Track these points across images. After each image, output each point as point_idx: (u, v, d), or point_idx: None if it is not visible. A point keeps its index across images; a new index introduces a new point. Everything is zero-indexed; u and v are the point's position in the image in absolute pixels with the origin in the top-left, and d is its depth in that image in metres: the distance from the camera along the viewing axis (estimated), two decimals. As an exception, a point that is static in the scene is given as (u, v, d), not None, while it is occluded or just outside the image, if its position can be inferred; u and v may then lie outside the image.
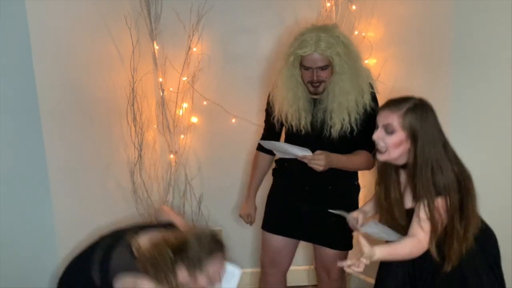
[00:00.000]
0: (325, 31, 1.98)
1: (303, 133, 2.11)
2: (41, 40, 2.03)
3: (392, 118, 1.70)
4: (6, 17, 1.95)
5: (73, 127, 2.27)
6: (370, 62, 2.75)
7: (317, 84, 2.04)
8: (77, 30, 2.32)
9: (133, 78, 2.68)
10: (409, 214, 1.78)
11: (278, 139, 2.29)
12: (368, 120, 2.05)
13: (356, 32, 2.77)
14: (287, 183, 2.24)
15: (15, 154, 2.07)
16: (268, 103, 2.25)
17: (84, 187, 2.33)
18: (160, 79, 2.85)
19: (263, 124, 2.35)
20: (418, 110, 1.69)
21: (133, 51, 2.67)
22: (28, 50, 1.98)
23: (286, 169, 2.25)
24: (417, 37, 2.49)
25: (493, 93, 2.22)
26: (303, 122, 2.10)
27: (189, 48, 2.82)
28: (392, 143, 1.72)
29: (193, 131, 2.94)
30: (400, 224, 1.81)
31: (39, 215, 2.13)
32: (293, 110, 2.09)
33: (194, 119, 2.93)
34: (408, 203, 1.78)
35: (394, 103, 1.73)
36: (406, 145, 1.71)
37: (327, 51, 1.96)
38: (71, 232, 2.24)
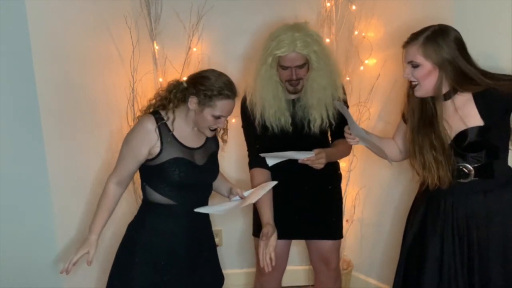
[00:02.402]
0: (299, 30, 2.04)
1: (285, 133, 2.14)
2: (41, 40, 2.03)
3: (412, 52, 1.75)
4: (6, 17, 1.95)
5: (73, 127, 2.27)
6: (370, 62, 2.76)
7: (296, 82, 2.08)
8: (77, 30, 2.32)
9: (133, 78, 2.68)
10: (463, 135, 1.77)
11: (266, 145, 2.20)
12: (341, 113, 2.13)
13: (356, 32, 2.78)
14: (280, 187, 2.17)
15: (15, 154, 2.07)
16: (245, 109, 2.18)
17: (84, 187, 2.33)
18: (160, 79, 2.84)
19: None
20: (437, 36, 1.72)
21: (133, 51, 2.67)
22: (28, 50, 1.98)
23: (276, 175, 2.20)
24: (417, 37, 2.49)
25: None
26: (283, 122, 2.13)
27: (189, 48, 2.82)
28: (420, 75, 1.75)
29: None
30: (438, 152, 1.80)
31: (39, 216, 2.13)
32: (273, 111, 2.12)
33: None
34: (467, 124, 1.76)
35: (412, 37, 1.78)
36: (436, 73, 1.73)
37: (304, 50, 2.01)
38: (71, 232, 2.24)
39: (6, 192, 2.08)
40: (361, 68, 2.79)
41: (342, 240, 2.95)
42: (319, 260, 2.35)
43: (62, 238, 2.18)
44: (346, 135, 2.00)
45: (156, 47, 2.82)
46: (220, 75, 1.84)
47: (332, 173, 2.31)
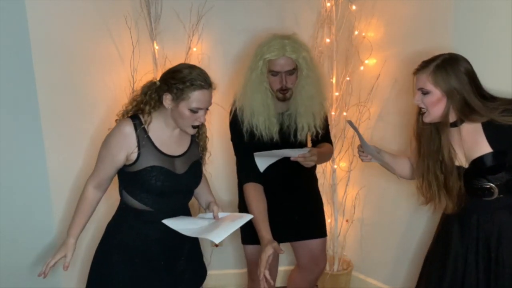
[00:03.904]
0: (288, 38, 2.09)
1: (274, 140, 2.15)
2: (41, 40, 2.03)
3: (423, 80, 1.77)
4: (6, 17, 1.95)
5: (73, 127, 2.27)
6: (370, 62, 2.76)
7: (285, 90, 2.10)
8: (77, 30, 2.32)
9: (133, 78, 2.68)
10: (475, 165, 1.78)
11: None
12: (326, 122, 2.28)
13: (356, 32, 2.78)
14: (266, 190, 2.17)
15: (15, 154, 2.07)
16: (236, 121, 2.16)
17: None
18: (160, 79, 2.85)
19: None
20: (447, 65, 1.74)
21: (133, 51, 2.67)
22: (28, 50, 1.98)
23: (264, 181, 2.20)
24: (417, 37, 2.49)
25: (493, 92, 2.22)
26: (272, 131, 2.14)
27: (189, 48, 2.82)
28: (429, 102, 1.77)
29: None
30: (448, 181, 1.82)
31: (39, 216, 2.13)
32: (262, 119, 2.12)
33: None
34: (478, 152, 1.77)
35: (423, 64, 1.79)
36: (444, 101, 1.75)
37: (293, 54, 2.05)
38: (71, 232, 2.25)
39: (6, 192, 2.08)
40: (361, 68, 2.79)
41: (342, 240, 2.97)
42: (310, 260, 2.37)
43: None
44: (359, 153, 2.08)
45: (156, 47, 2.83)
46: (192, 67, 1.78)
47: (311, 176, 2.36)
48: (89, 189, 1.84)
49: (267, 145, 2.14)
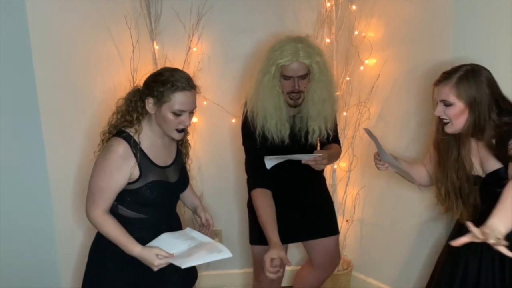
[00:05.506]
0: (301, 41, 2.07)
1: (285, 143, 2.15)
2: (41, 40, 2.03)
3: (445, 92, 1.74)
4: (6, 17, 1.95)
5: (73, 127, 2.27)
6: (370, 62, 2.76)
7: (297, 95, 2.09)
8: (77, 30, 2.32)
9: (133, 78, 2.68)
10: (491, 177, 1.77)
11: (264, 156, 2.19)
12: (335, 123, 2.29)
13: (356, 32, 2.78)
14: (277, 195, 2.16)
15: (15, 154, 2.07)
16: (247, 124, 2.16)
17: (84, 188, 2.32)
18: (160, 79, 2.84)
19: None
20: (469, 76, 1.72)
21: (133, 51, 2.67)
22: (28, 50, 1.98)
23: (272, 184, 2.20)
24: (417, 37, 2.49)
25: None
26: (283, 133, 2.14)
27: (189, 48, 2.83)
28: (452, 114, 1.75)
29: (193, 131, 2.94)
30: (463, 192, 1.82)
31: (39, 216, 2.13)
32: (274, 122, 2.12)
33: (194, 119, 2.93)
34: (492, 164, 1.76)
35: (445, 76, 1.77)
36: (467, 113, 1.74)
37: (307, 59, 2.04)
38: (71, 232, 2.24)
39: (6, 192, 2.08)
40: (361, 68, 2.79)
41: (342, 240, 2.97)
42: (325, 258, 2.38)
43: (62, 238, 2.19)
44: (375, 161, 2.05)
45: (156, 47, 2.83)
46: (174, 69, 1.75)
47: (320, 176, 2.38)
48: (101, 215, 1.73)
49: (279, 148, 2.14)
